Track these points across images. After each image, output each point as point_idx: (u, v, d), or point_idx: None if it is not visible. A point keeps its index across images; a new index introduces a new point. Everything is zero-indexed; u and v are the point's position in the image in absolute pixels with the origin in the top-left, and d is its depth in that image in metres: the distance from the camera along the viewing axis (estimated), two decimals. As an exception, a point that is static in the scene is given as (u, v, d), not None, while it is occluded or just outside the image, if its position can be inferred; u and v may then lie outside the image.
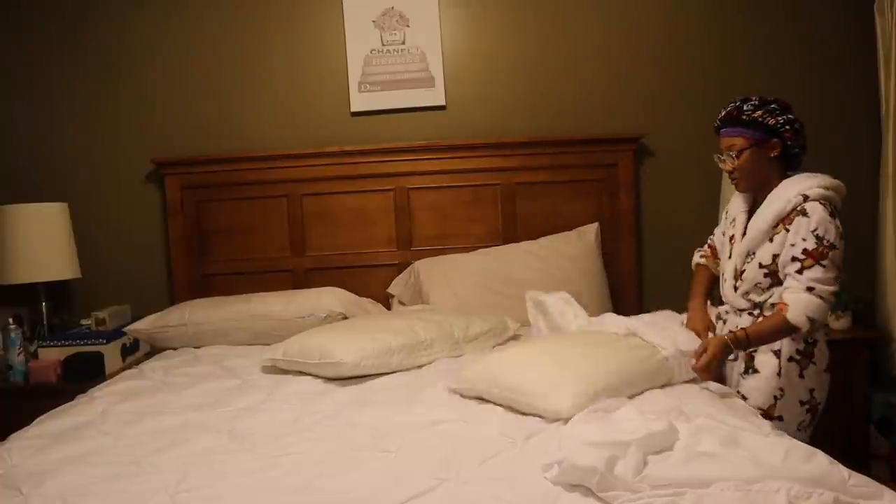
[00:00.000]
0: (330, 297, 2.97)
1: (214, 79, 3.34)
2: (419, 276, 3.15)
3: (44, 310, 3.13)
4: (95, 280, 3.32)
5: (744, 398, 2.13)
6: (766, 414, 2.09)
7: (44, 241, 3.04)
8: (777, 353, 2.12)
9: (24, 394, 2.83)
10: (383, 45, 3.29)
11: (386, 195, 3.28)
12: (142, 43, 3.33)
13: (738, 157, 2.11)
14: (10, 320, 2.89)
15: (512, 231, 3.25)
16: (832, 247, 1.99)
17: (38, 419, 2.12)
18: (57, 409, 2.22)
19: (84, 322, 3.16)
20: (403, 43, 3.29)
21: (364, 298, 3.12)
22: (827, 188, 2.05)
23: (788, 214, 2.05)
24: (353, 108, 3.32)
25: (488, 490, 1.49)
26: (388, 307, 3.20)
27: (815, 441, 1.91)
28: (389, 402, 2.10)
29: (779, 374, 2.11)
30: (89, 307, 3.20)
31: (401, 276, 3.22)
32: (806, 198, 2.03)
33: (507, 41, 3.30)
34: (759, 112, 2.08)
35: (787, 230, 2.04)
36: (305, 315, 2.87)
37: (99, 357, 2.91)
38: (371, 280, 3.25)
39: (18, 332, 2.87)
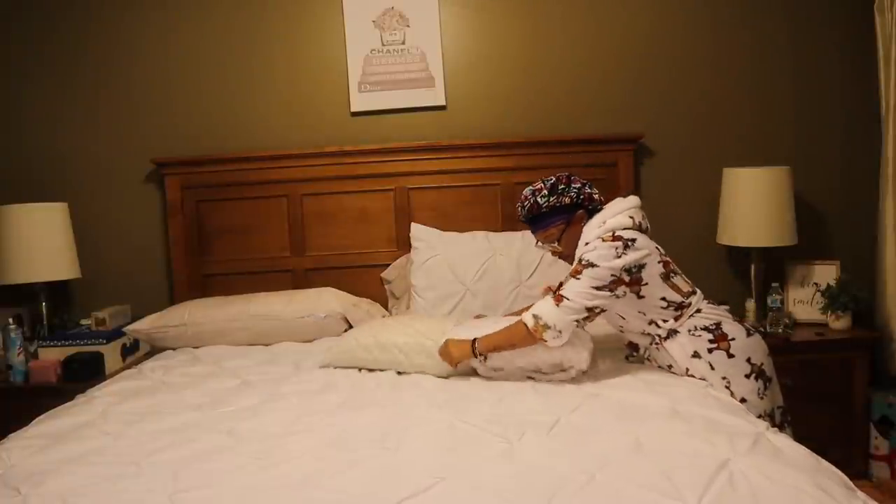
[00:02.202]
0: (330, 298, 2.97)
1: (215, 79, 3.34)
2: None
3: (44, 310, 3.13)
4: (95, 280, 3.32)
5: None
6: None
7: (44, 241, 3.04)
8: (697, 355, 2.15)
9: (24, 394, 2.83)
10: (383, 45, 3.29)
11: (386, 195, 3.27)
12: (142, 43, 3.33)
13: (559, 242, 2.26)
14: (10, 320, 2.89)
15: (512, 231, 3.23)
16: (589, 265, 2.07)
17: (37, 419, 2.12)
18: (56, 409, 2.22)
19: (84, 322, 3.16)
20: (403, 43, 3.29)
21: (363, 299, 3.13)
22: (604, 223, 2.15)
23: None
24: (353, 108, 3.32)
25: (486, 488, 1.49)
26: (387, 307, 3.20)
27: (815, 441, 1.91)
28: (388, 402, 2.10)
29: (712, 367, 2.13)
30: (89, 307, 3.20)
31: (396, 261, 3.22)
32: (587, 243, 2.15)
33: (508, 41, 3.30)
34: (553, 198, 2.22)
35: None
36: (305, 315, 2.88)
37: (99, 357, 2.91)
38: (371, 280, 3.24)
39: (18, 332, 2.87)
